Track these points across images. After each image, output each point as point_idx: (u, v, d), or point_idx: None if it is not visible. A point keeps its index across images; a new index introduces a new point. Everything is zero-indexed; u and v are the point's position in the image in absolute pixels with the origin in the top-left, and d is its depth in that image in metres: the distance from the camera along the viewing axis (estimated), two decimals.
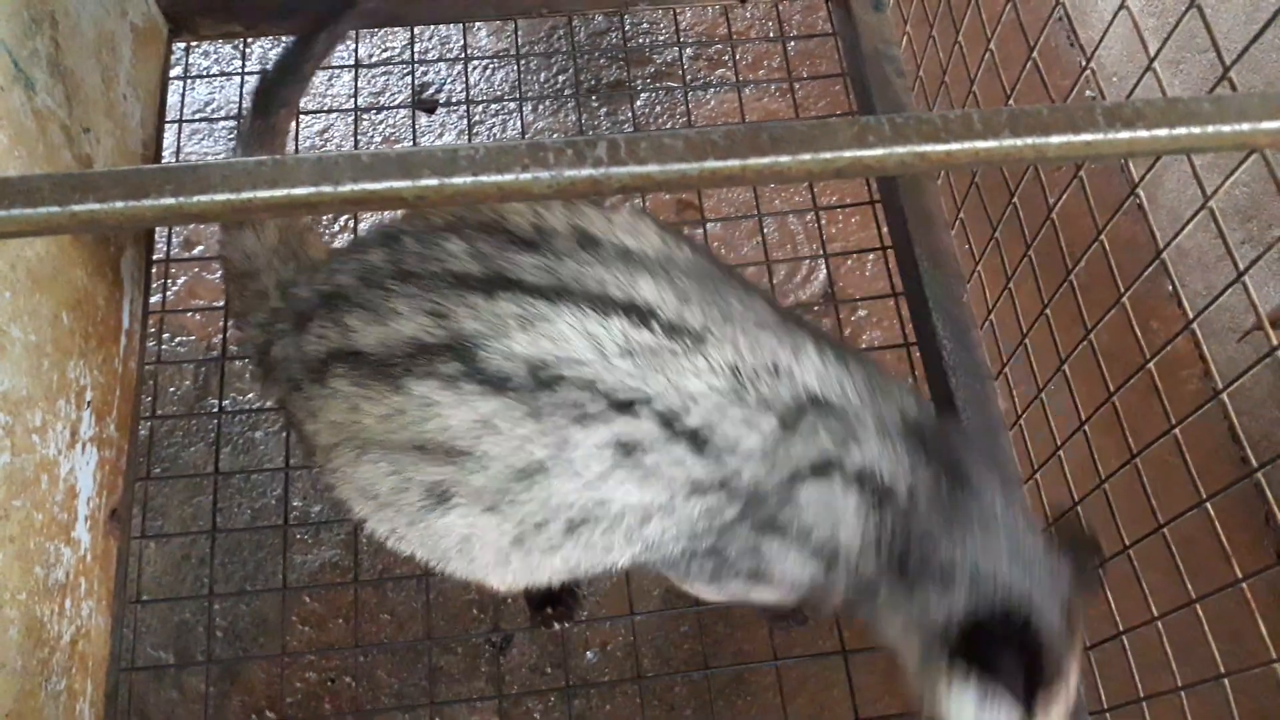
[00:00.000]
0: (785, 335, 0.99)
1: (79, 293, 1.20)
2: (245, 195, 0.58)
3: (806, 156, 0.59)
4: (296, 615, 1.56)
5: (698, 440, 0.95)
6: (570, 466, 0.94)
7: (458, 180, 0.58)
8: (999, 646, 0.89)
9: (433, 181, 0.58)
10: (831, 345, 1.02)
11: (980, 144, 0.59)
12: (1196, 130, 0.60)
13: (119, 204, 0.57)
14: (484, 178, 0.58)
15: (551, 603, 1.46)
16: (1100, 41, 1.13)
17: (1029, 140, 0.60)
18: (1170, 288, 1.66)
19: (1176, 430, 0.96)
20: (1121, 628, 1.08)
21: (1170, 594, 1.02)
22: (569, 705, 1.49)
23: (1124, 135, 0.60)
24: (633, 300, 0.93)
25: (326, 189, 0.58)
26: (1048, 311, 1.16)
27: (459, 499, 0.98)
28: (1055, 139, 0.60)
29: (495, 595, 1.55)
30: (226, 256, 1.19)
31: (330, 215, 1.88)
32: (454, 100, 1.98)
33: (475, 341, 0.91)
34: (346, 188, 0.58)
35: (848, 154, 0.59)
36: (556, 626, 1.48)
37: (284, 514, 1.56)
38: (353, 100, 1.91)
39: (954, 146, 0.59)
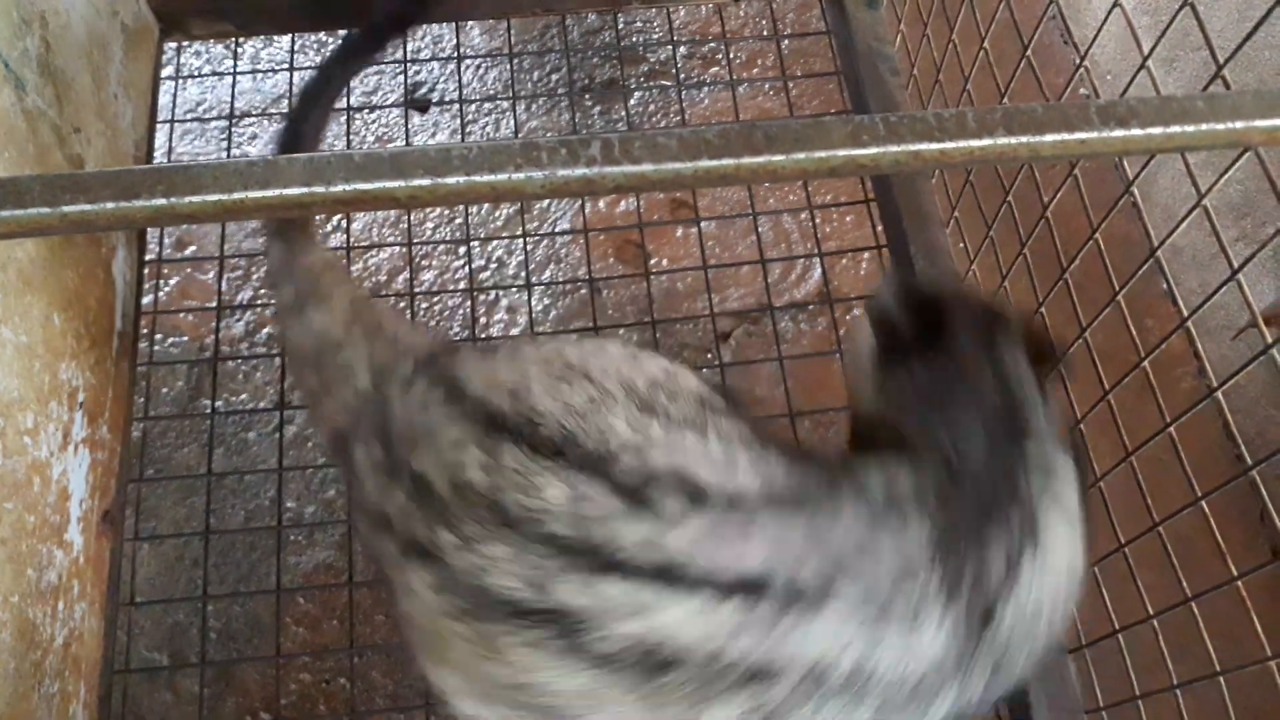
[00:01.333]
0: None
1: (70, 294, 1.19)
2: (237, 196, 0.58)
3: (800, 155, 0.59)
4: (291, 616, 1.55)
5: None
6: None
7: (451, 180, 0.58)
8: None
9: (425, 181, 0.58)
10: None
11: (975, 143, 0.59)
12: (1190, 129, 0.60)
13: (109, 205, 0.57)
14: (477, 177, 0.58)
15: None
16: (1094, 40, 1.13)
17: (1023, 139, 0.60)
18: (1165, 286, 1.66)
19: (1171, 429, 0.96)
20: (1117, 626, 1.08)
21: (1165, 591, 1.02)
22: None
23: (1118, 134, 0.60)
24: (744, 577, 0.82)
25: (319, 189, 0.57)
26: (1043, 310, 1.16)
27: None
28: (1049, 137, 0.60)
29: None
30: (290, 340, 1.11)
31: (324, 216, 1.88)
32: (447, 99, 1.98)
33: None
34: (339, 188, 0.57)
35: (842, 153, 0.59)
36: None
37: (278, 515, 1.55)
38: (345, 99, 1.90)
39: (948, 145, 0.59)
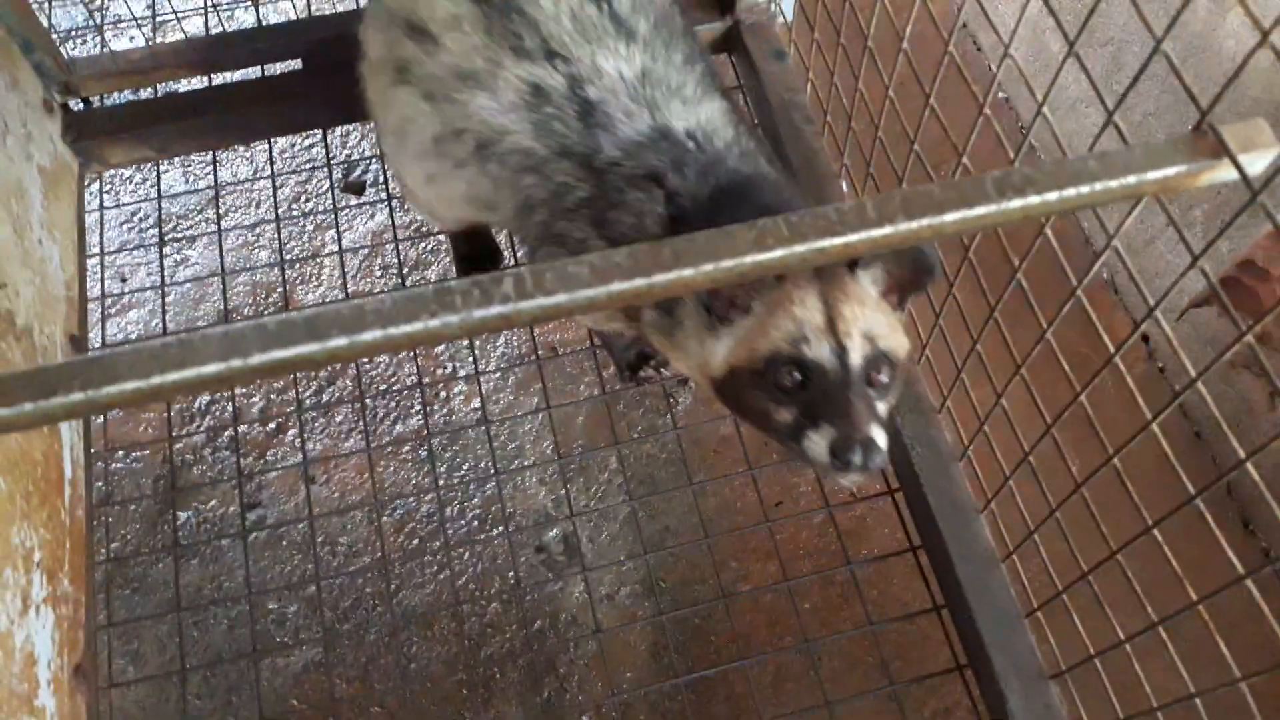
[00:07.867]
0: (702, 87, 1.19)
1: (14, 456, 1.16)
2: (155, 381, 0.57)
3: (709, 267, 0.59)
4: None
5: (588, 109, 1.14)
6: (494, 84, 1.16)
7: (367, 336, 0.58)
8: None
9: (342, 341, 0.58)
10: (735, 121, 1.20)
11: (877, 232, 0.60)
12: (1085, 189, 0.61)
13: (28, 406, 0.57)
14: (394, 330, 0.58)
15: (640, 365, 1.63)
16: (1007, 47, 1.12)
17: (925, 221, 0.60)
18: (1105, 275, 1.69)
19: (1150, 421, 0.96)
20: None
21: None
22: None
23: (1016, 204, 0.61)
24: None
25: (236, 363, 0.57)
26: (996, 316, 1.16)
27: (411, 80, 1.22)
28: (950, 216, 0.61)
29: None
30: None
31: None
32: (381, 180, 1.98)
33: None
34: (256, 359, 0.57)
35: (749, 259, 0.59)
36: (650, 373, 1.64)
37: (251, 628, 1.54)
38: (273, 195, 1.90)
39: (851, 238, 0.60)
